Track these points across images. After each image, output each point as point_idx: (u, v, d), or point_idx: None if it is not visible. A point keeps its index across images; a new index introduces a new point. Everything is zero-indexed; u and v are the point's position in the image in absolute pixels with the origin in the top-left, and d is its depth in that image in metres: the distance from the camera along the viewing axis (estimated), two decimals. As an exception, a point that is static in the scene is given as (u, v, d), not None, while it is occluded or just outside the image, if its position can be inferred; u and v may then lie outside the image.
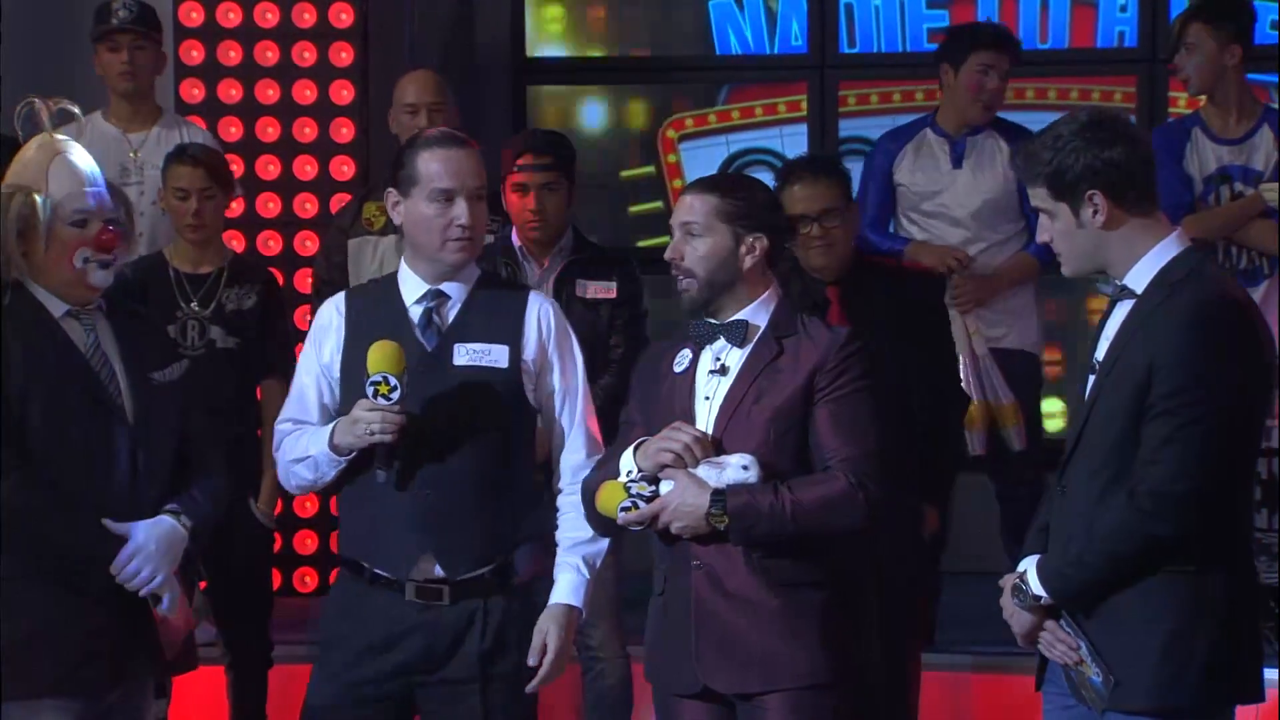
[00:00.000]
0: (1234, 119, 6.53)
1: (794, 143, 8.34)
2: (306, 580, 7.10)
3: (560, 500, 4.42)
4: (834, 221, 5.29)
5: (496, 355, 4.33)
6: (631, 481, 4.18)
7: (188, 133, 6.65)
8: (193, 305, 6.03)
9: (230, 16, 7.26)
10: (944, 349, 5.58)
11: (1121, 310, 3.87)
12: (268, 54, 7.26)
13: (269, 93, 7.25)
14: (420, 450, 4.24)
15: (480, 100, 8.08)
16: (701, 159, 8.43)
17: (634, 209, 8.60)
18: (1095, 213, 3.82)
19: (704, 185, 4.33)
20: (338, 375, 4.38)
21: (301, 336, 4.88)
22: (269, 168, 7.24)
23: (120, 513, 4.15)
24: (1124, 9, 8.22)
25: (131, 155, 6.58)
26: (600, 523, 4.29)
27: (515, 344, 4.34)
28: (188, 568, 4.34)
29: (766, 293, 4.27)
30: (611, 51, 8.73)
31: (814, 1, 8.29)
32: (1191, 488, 3.71)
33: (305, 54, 7.25)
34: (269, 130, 7.25)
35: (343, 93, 7.23)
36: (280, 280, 6.40)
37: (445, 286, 4.37)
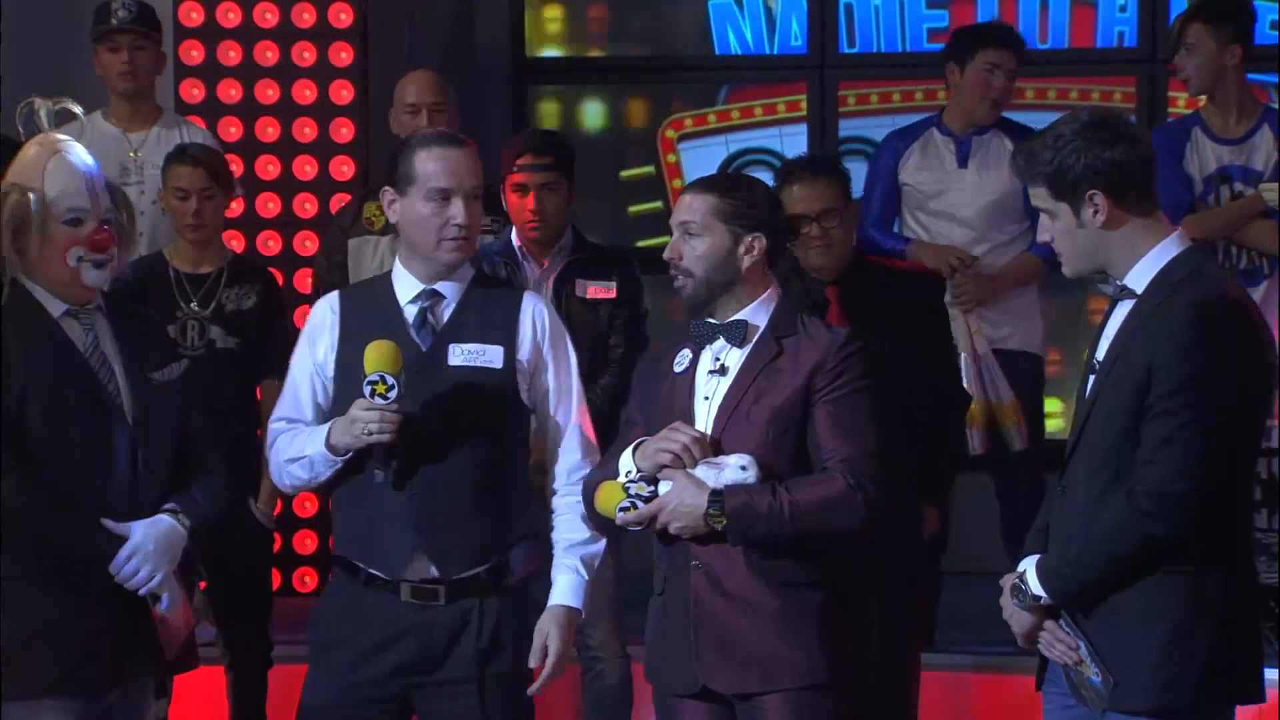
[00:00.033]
0: (1234, 119, 6.53)
1: (794, 143, 8.34)
2: (306, 580, 7.10)
3: (555, 501, 4.42)
4: (833, 221, 5.29)
5: (491, 356, 4.32)
6: (630, 482, 4.18)
7: (188, 132, 6.65)
8: (192, 305, 6.03)
9: (230, 16, 7.26)
10: (944, 349, 5.58)
11: (1122, 310, 3.86)
12: (267, 54, 7.26)
13: (269, 93, 7.25)
14: (415, 450, 4.23)
15: (480, 100, 8.08)
16: (701, 159, 8.43)
17: (634, 209, 8.60)
18: (1096, 212, 3.82)
19: (703, 185, 4.33)
20: (332, 374, 4.38)
21: (301, 336, 4.88)
22: (269, 168, 7.24)
23: (120, 513, 4.14)
24: (1124, 9, 8.23)
25: (131, 155, 6.58)
26: (600, 522, 4.29)
27: (510, 344, 4.34)
28: (187, 567, 4.34)
29: (767, 293, 4.27)
30: (611, 51, 8.72)
31: (814, 1, 8.29)
32: (1190, 488, 3.71)
33: (305, 54, 7.25)
34: (269, 130, 7.25)
35: (342, 93, 7.23)
36: (280, 280, 6.40)
37: (440, 286, 4.36)
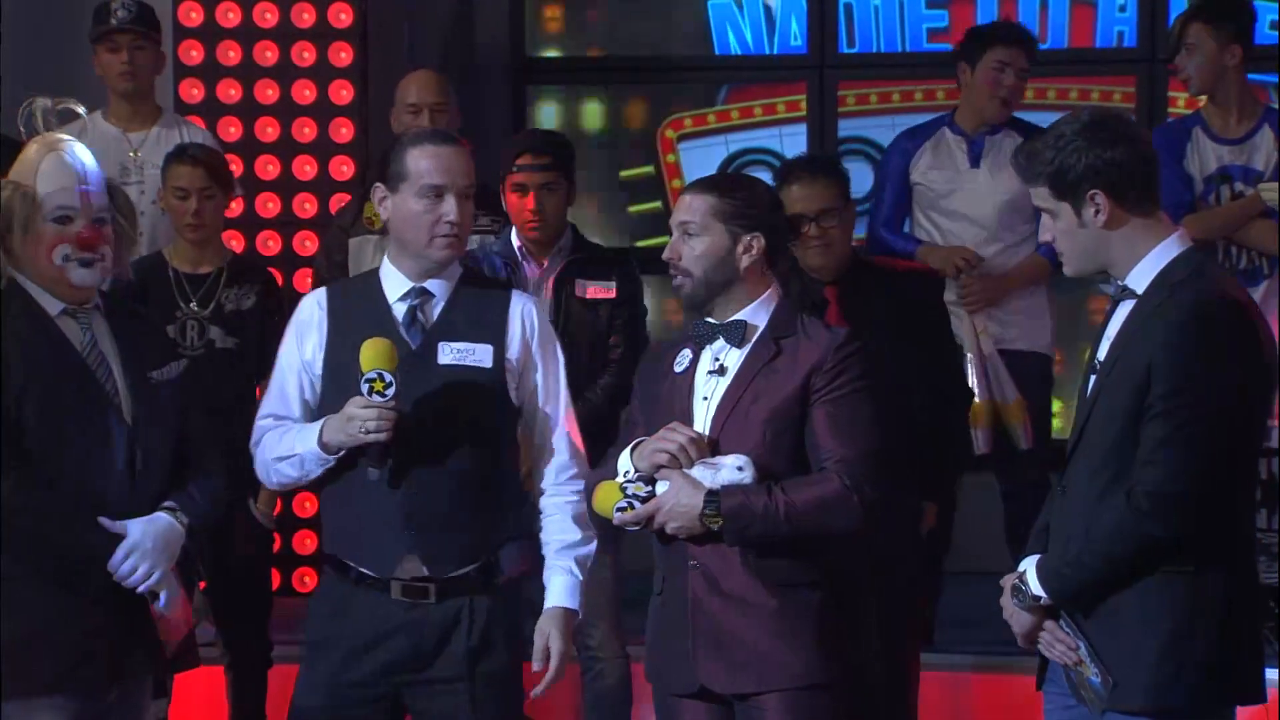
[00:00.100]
0: (1234, 119, 6.53)
1: (793, 143, 8.34)
2: (305, 580, 7.09)
3: (543, 502, 4.41)
4: (832, 221, 5.29)
5: (481, 355, 4.32)
6: (628, 482, 4.18)
7: (187, 132, 6.65)
8: (192, 305, 6.03)
9: (229, 16, 7.26)
10: (944, 348, 5.57)
11: (1123, 310, 3.86)
12: (267, 54, 7.26)
13: (268, 93, 7.25)
14: (406, 449, 4.22)
15: (480, 100, 8.07)
16: (701, 159, 8.43)
17: (633, 209, 8.60)
18: (1097, 212, 3.82)
19: (702, 185, 4.33)
20: (320, 372, 4.36)
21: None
22: (268, 168, 7.24)
23: (118, 512, 4.14)
24: (1123, 9, 8.23)
25: (131, 155, 6.58)
26: (600, 522, 4.30)
27: (499, 343, 4.34)
28: (187, 566, 4.34)
29: (767, 293, 4.27)
30: (611, 52, 8.72)
31: (813, 1, 8.29)
32: (1189, 488, 3.71)
33: (304, 54, 7.25)
34: (268, 130, 7.25)
35: (342, 93, 7.23)
36: (280, 280, 6.40)
37: (429, 284, 4.35)
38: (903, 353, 5.07)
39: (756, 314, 4.25)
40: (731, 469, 4.12)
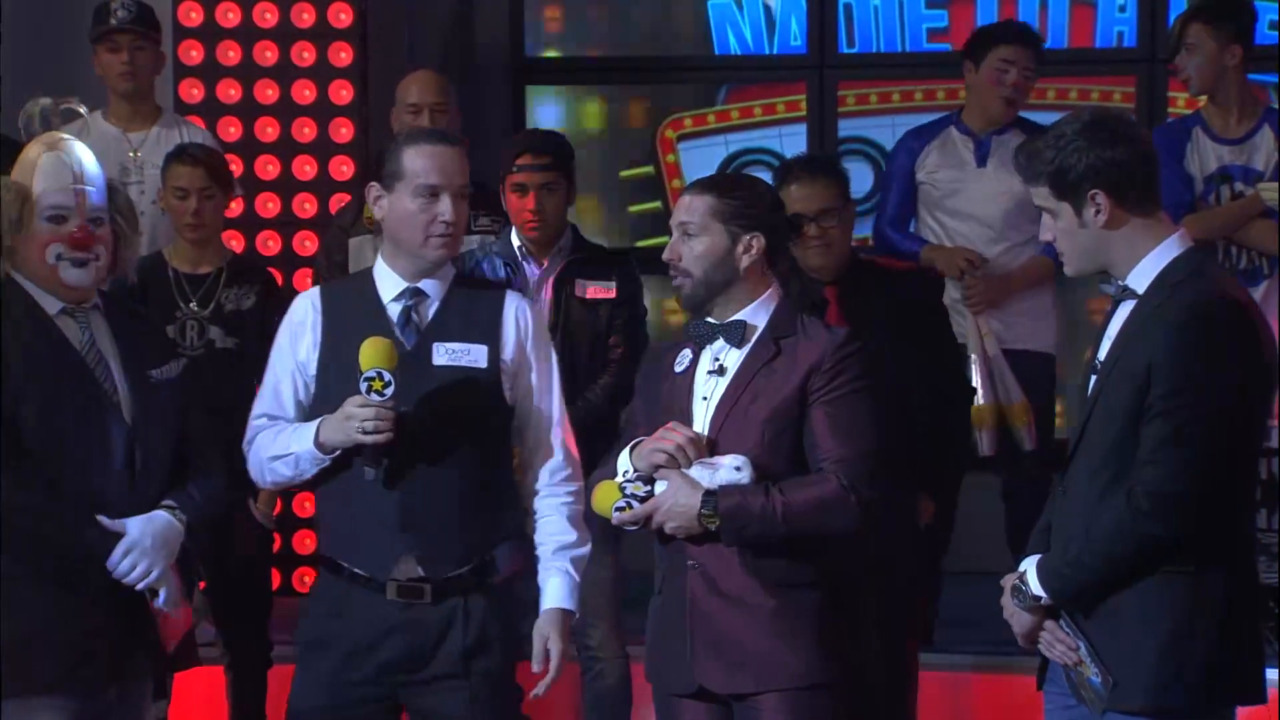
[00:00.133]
0: (1234, 119, 6.53)
1: (793, 143, 8.34)
2: (306, 580, 7.08)
3: (537, 503, 4.40)
4: (831, 221, 5.29)
5: (476, 355, 4.31)
6: (627, 481, 4.19)
7: (187, 132, 6.65)
8: (192, 305, 6.03)
9: (229, 16, 7.26)
10: (944, 348, 5.57)
11: (1124, 310, 3.86)
12: (267, 54, 7.25)
13: (268, 93, 7.25)
14: (401, 449, 4.22)
15: (480, 100, 8.07)
16: (700, 159, 8.43)
17: (633, 209, 8.60)
18: (1097, 212, 3.82)
19: (702, 185, 4.33)
20: (314, 372, 4.36)
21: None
22: (268, 168, 7.24)
23: (117, 511, 4.14)
24: (1123, 9, 8.23)
25: (131, 155, 6.58)
26: (600, 522, 4.30)
27: (494, 344, 4.33)
28: (187, 565, 4.34)
29: (767, 293, 4.27)
30: (611, 51, 8.72)
31: (813, 1, 8.29)
32: (1188, 488, 3.71)
33: (304, 54, 7.25)
34: (268, 130, 7.24)
35: (342, 93, 7.23)
36: (279, 280, 6.40)
37: (423, 284, 4.35)
38: (902, 353, 5.06)
39: (756, 314, 4.25)
40: (729, 469, 4.12)
